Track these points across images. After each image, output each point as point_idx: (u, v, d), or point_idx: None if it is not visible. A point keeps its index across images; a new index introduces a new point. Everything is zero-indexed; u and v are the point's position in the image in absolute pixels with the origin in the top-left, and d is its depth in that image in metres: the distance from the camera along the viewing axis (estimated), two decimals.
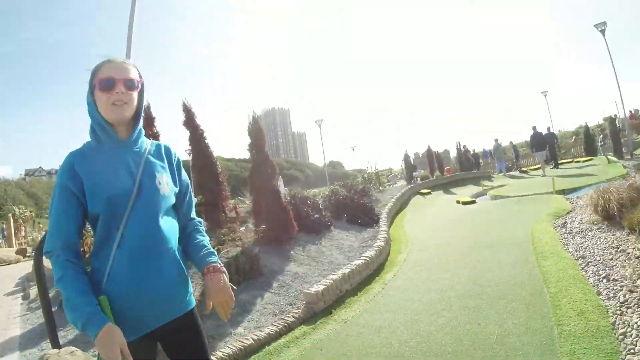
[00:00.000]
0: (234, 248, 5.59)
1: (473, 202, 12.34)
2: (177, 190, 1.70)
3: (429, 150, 21.40)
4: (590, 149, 20.92)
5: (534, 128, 17.89)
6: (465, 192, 15.56)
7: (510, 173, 20.91)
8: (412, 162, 20.97)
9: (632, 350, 2.70)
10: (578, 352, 2.79)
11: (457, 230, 8.15)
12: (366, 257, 5.99)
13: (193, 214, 1.81)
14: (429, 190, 16.01)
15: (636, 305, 3.35)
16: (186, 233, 1.76)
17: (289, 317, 4.31)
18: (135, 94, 1.59)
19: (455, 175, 20.77)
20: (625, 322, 3.11)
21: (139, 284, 1.50)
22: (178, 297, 1.63)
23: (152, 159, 1.65)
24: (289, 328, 4.14)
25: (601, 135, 19.71)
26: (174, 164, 1.75)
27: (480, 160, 26.64)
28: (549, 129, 20.18)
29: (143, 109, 1.66)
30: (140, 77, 1.63)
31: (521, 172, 20.33)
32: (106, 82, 1.53)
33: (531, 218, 7.83)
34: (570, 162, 20.17)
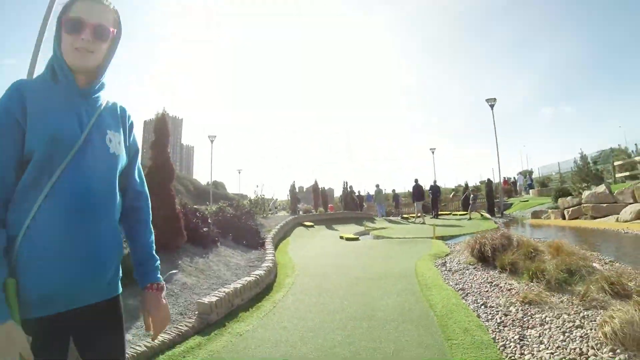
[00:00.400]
0: None
1: (356, 239, 13.21)
2: (126, 154, 1.62)
3: (315, 185, 22.34)
4: (467, 205, 23.76)
5: (416, 180, 21.35)
6: (348, 229, 16.51)
7: (390, 218, 22.79)
8: (297, 195, 21.82)
9: (512, 358, 3.39)
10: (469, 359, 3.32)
11: (342, 263, 8.71)
12: (256, 274, 6.16)
13: (143, 186, 1.75)
14: (312, 224, 16.67)
15: (511, 325, 4.11)
16: (133, 209, 1.70)
17: (182, 325, 4.27)
18: (104, 45, 1.48)
19: (339, 213, 21.97)
20: (504, 337, 3.82)
21: (63, 247, 1.35)
22: (108, 275, 1.52)
23: (106, 115, 1.55)
24: (183, 337, 4.10)
25: (472, 195, 22.70)
26: (127, 125, 1.65)
27: (364, 203, 28.46)
28: (435, 182, 22.93)
29: (110, 62, 1.54)
30: (116, 26, 1.53)
31: (403, 218, 22.36)
32: (72, 24, 1.42)
33: (413, 257, 8.72)
34: (448, 214, 22.93)
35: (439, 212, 21.70)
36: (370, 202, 28.59)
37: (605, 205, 13.37)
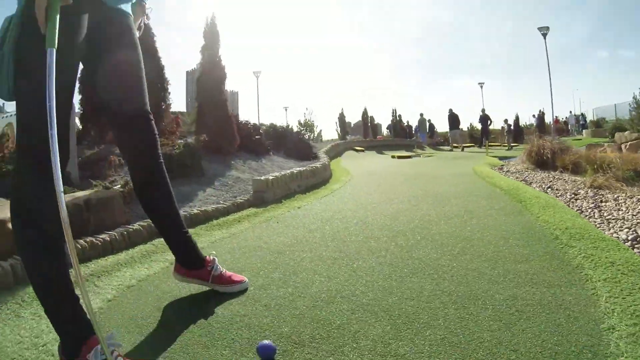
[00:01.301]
0: (176, 143, 5.31)
1: (408, 157, 12.84)
2: None
3: (364, 113, 21.60)
4: (519, 137, 22.44)
5: (450, 110, 20.09)
6: (398, 153, 16.07)
7: (437, 147, 21.95)
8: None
9: (592, 217, 3.07)
10: (547, 213, 3.00)
11: (397, 170, 8.39)
12: (312, 165, 5.99)
13: None
14: (363, 148, 16.31)
15: (583, 199, 3.77)
16: None
17: (239, 199, 4.14)
18: None
19: (389, 140, 21.35)
20: (578, 206, 3.48)
21: None
22: None
23: None
24: (238, 207, 3.97)
25: (506, 129, 21.81)
26: None
27: (414, 135, 27.59)
28: (483, 110, 21.43)
29: None
30: None
31: (454, 147, 21.46)
32: None
33: (469, 165, 8.28)
34: (498, 145, 21.76)
35: (490, 144, 20.54)
36: (417, 134, 27.66)
37: None
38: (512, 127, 21.39)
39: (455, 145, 19.57)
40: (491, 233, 2.60)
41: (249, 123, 8.66)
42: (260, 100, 27.00)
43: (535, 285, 1.69)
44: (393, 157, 13.15)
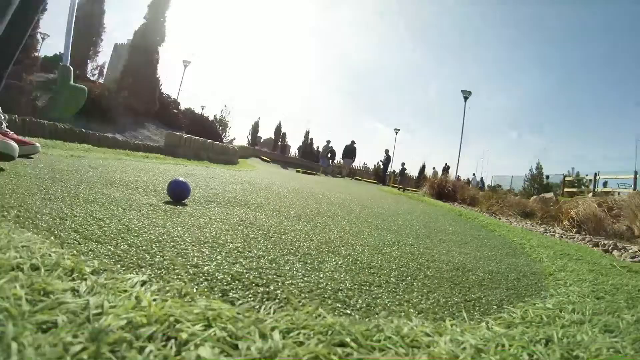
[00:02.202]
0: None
1: (313, 174, 12.91)
2: None
3: (277, 127, 21.49)
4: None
5: (352, 142, 20.53)
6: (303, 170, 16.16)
7: (342, 177, 22.35)
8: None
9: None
10: (459, 210, 3.04)
11: (303, 179, 8.33)
12: (223, 144, 5.76)
13: None
14: (269, 160, 16.18)
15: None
16: None
17: (149, 144, 3.81)
18: None
19: (296, 159, 21.36)
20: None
21: None
22: None
23: None
24: (147, 149, 3.72)
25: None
26: None
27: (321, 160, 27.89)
28: (387, 151, 22.28)
29: None
30: None
31: (355, 179, 22.01)
32: None
33: (374, 187, 8.53)
34: (397, 187, 22.79)
35: (389, 184, 21.32)
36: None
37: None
38: (405, 171, 22.61)
39: (357, 178, 20.00)
40: (417, 210, 2.56)
41: (170, 97, 8.30)
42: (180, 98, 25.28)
43: (471, 223, 1.63)
44: (298, 171, 13.21)
